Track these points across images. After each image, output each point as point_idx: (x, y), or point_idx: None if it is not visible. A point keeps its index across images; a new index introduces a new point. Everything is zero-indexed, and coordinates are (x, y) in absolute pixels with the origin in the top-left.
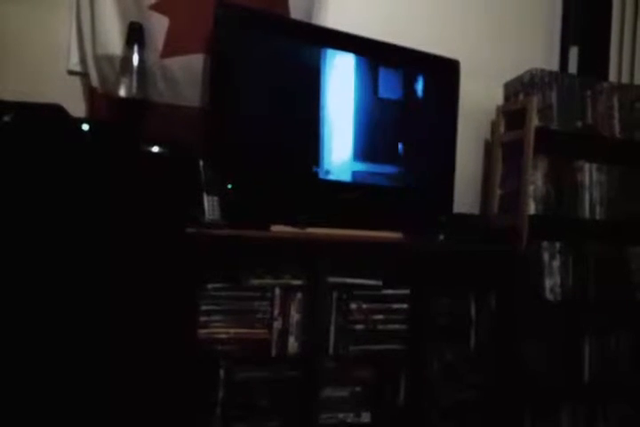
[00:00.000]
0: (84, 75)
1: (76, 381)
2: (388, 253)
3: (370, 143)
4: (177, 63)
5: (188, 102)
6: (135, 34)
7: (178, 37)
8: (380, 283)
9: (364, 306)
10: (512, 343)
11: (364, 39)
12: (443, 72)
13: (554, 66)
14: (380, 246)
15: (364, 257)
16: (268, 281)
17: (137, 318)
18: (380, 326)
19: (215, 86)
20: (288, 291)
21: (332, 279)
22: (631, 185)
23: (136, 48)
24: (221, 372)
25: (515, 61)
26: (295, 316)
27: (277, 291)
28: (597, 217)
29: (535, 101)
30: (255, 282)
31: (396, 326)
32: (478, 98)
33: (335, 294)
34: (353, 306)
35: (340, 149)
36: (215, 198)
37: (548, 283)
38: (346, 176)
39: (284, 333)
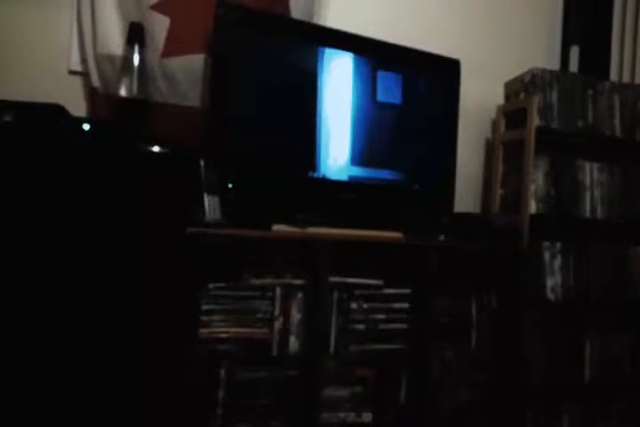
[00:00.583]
0: (84, 74)
1: (78, 380)
2: (388, 252)
3: (370, 143)
4: (177, 63)
5: (189, 102)
6: (136, 34)
7: (178, 37)
8: (380, 282)
9: (365, 306)
10: (513, 343)
11: (365, 39)
12: (443, 71)
13: (555, 65)
14: (381, 246)
15: (365, 257)
16: (268, 281)
17: (138, 318)
18: (381, 326)
19: (215, 86)
20: (289, 290)
21: (332, 279)
22: (632, 184)
23: (137, 48)
24: (222, 371)
25: (515, 61)
26: (296, 315)
27: (278, 290)
28: (598, 217)
29: (536, 101)
30: (256, 281)
31: (397, 326)
32: (479, 97)
33: (336, 294)
34: (354, 306)
35: (341, 149)
36: (216, 198)
37: (549, 282)
38: (345, 176)
39: (284, 332)
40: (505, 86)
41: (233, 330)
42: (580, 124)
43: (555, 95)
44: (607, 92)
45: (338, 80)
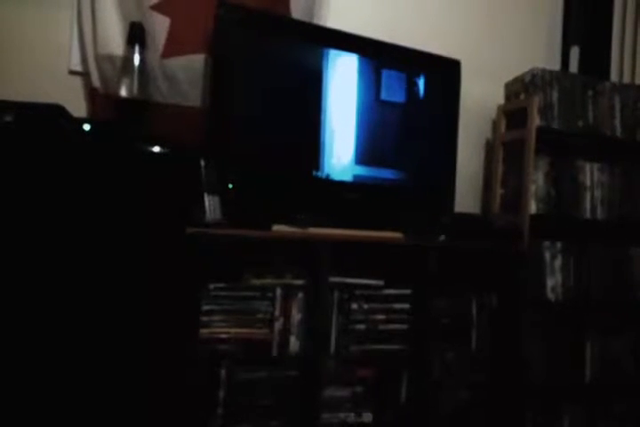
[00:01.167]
0: (85, 75)
1: (78, 380)
2: (389, 253)
3: (374, 142)
4: (178, 63)
5: (189, 102)
6: (136, 34)
7: (179, 37)
8: (381, 283)
9: (366, 306)
10: (513, 343)
11: (365, 39)
12: (444, 72)
13: (555, 65)
14: (382, 246)
15: (365, 257)
16: (269, 281)
17: (138, 318)
18: (382, 326)
19: (216, 86)
20: (289, 291)
21: (333, 279)
22: (632, 185)
23: (137, 48)
24: (222, 372)
25: (516, 61)
26: (296, 316)
27: (278, 291)
28: (599, 217)
29: (536, 101)
30: (256, 282)
31: (398, 326)
32: (479, 97)
33: (336, 294)
34: (354, 306)
35: (345, 148)
36: (216, 198)
37: (549, 283)
38: (347, 176)
39: (285, 332)
40: (505, 86)
41: (233, 330)
42: (580, 124)
43: (555, 95)
44: (608, 92)
45: (340, 78)
